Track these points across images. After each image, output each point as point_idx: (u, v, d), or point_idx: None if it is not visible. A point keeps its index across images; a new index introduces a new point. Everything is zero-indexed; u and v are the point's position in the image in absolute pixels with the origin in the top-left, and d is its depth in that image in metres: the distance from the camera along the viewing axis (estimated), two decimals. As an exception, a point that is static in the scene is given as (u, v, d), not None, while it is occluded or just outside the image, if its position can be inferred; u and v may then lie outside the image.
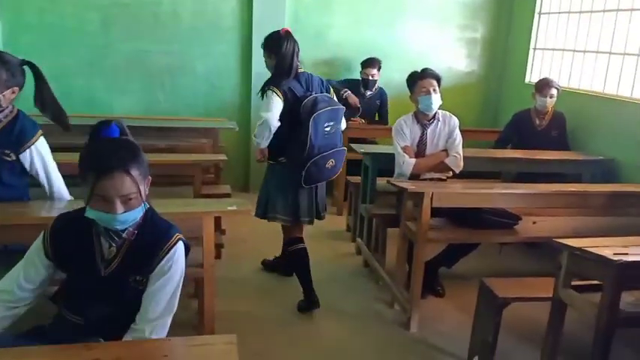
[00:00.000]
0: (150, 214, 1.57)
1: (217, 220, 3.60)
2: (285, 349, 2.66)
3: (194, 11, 4.84)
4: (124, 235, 1.52)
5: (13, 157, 2.17)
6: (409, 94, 3.37)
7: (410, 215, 2.98)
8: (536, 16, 5.21)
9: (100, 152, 1.44)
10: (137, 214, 1.48)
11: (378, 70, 5.01)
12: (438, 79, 3.25)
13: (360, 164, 3.97)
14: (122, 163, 1.40)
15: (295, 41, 2.92)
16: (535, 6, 5.19)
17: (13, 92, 2.13)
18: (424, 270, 2.90)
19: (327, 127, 2.85)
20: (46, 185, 2.25)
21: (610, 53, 4.26)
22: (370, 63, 4.98)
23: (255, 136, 2.92)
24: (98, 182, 1.38)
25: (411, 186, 2.91)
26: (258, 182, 5.18)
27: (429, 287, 3.24)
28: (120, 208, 1.41)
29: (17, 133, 2.16)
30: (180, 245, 1.57)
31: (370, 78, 4.97)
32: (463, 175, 3.39)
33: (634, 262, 1.93)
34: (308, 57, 5.21)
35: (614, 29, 4.23)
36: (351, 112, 4.55)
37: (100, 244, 1.54)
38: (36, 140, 2.20)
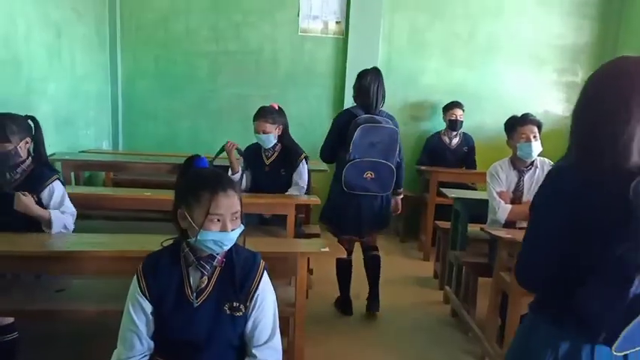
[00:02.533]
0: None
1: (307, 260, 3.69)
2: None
3: (292, 58, 5.15)
4: (214, 263, 1.59)
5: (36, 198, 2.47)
6: (505, 138, 3.30)
7: (504, 265, 2.88)
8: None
9: (211, 176, 1.58)
10: (238, 233, 1.57)
11: (463, 112, 5.00)
12: (539, 126, 3.14)
13: (448, 209, 3.91)
14: (232, 185, 1.56)
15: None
16: (642, 50, 4.96)
17: (27, 143, 2.47)
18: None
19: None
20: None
21: None
22: (455, 104, 4.99)
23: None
24: (215, 200, 1.51)
25: (506, 235, 2.83)
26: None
27: (523, 343, 3.08)
28: (230, 225, 1.53)
29: (37, 178, 2.49)
30: (265, 272, 1.66)
31: (458, 118, 4.97)
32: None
33: None
34: (398, 100, 5.34)
35: None
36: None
37: (188, 277, 1.59)
38: (53, 181, 2.52)
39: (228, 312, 1.59)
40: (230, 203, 1.53)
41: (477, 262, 3.40)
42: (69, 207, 2.58)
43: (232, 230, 1.54)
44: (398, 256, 4.86)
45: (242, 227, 1.59)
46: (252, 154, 3.52)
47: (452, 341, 3.27)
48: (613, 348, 1.29)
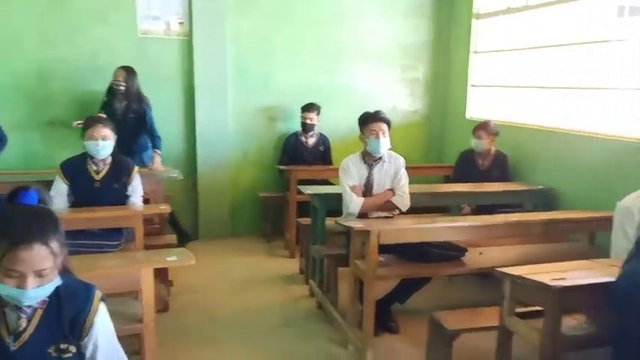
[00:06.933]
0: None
1: (164, 272, 3.50)
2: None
3: (134, 62, 4.57)
4: (34, 304, 1.39)
5: None
6: (358, 134, 3.40)
7: (358, 254, 2.97)
8: (471, 55, 5.44)
9: (21, 220, 1.31)
10: (49, 289, 1.36)
11: (317, 114, 5.12)
12: (388, 123, 3.33)
13: (309, 205, 3.96)
14: (43, 235, 1.30)
15: None
16: (470, 46, 5.43)
17: None
18: (377, 307, 2.88)
19: None
20: None
21: (543, 87, 4.50)
22: (309, 107, 5.12)
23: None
24: (12, 253, 1.26)
25: (357, 224, 2.92)
26: (207, 230, 5.16)
27: (383, 324, 3.22)
28: (32, 283, 1.29)
29: None
30: (103, 303, 1.49)
31: (308, 122, 5.10)
32: (411, 211, 3.43)
33: (571, 286, 1.97)
34: (253, 101, 5.30)
35: (545, 65, 4.48)
36: None
37: (5, 317, 1.38)
38: None
39: (53, 354, 1.40)
40: (33, 258, 1.28)
41: (336, 253, 3.47)
42: None
43: (37, 287, 1.30)
44: (265, 256, 4.84)
45: (55, 282, 1.36)
46: (78, 169, 3.19)
47: (319, 333, 3.31)
48: None
